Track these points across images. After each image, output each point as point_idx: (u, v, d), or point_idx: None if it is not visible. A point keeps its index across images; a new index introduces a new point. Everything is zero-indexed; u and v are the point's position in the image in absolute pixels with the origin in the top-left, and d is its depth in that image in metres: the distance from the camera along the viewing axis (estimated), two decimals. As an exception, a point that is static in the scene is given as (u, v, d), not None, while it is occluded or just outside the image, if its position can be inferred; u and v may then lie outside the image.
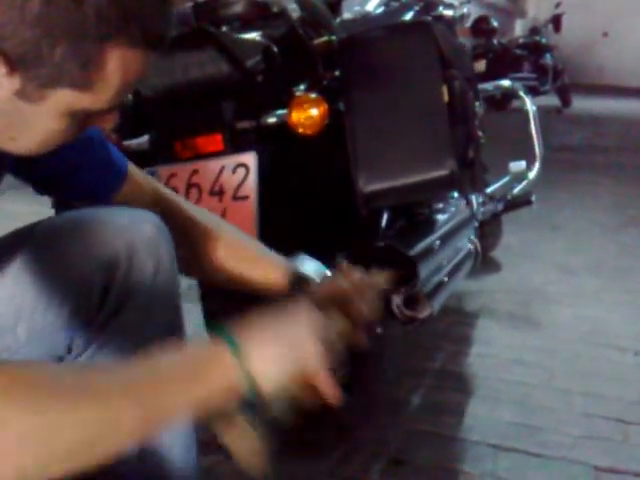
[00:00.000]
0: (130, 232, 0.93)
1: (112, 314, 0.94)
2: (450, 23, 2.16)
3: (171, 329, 0.98)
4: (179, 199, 1.06)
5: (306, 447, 1.69)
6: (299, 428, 1.65)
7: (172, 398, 0.67)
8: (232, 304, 1.53)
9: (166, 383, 0.68)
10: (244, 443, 0.75)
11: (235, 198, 1.36)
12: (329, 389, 0.76)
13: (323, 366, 0.75)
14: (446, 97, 1.41)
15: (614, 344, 2.28)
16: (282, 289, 1.02)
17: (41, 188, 1.00)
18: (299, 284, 1.01)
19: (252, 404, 0.73)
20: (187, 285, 1.61)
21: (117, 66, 0.67)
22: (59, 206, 1.48)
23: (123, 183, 0.99)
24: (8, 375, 0.62)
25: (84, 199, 1.00)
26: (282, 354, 0.73)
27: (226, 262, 1.02)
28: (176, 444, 1.00)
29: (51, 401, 0.62)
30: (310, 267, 1.02)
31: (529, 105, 2.54)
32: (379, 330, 1.63)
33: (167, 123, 1.46)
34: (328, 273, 1.03)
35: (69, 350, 0.95)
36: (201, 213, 1.06)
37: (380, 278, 1.08)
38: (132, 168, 1.02)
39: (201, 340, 0.74)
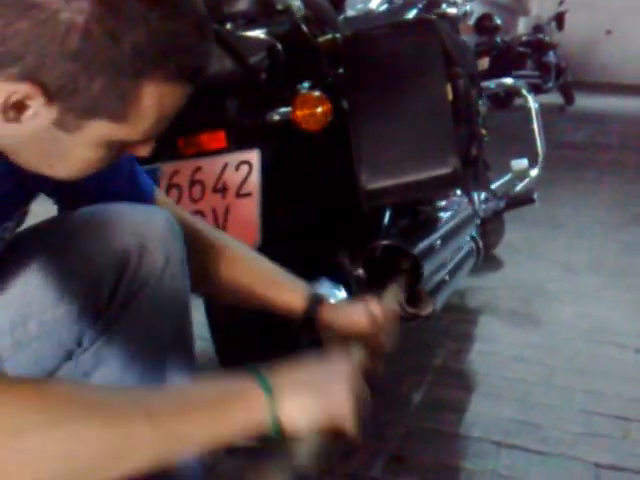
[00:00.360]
0: (141, 228, 0.95)
1: (122, 308, 0.95)
2: (453, 21, 2.16)
3: (180, 324, 0.99)
4: (199, 221, 1.09)
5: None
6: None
7: (193, 427, 0.68)
8: (236, 315, 1.55)
9: (190, 411, 0.68)
10: None
11: (238, 195, 1.37)
12: (355, 434, 0.77)
13: (354, 416, 0.76)
14: (450, 95, 1.41)
15: (615, 341, 2.28)
16: (299, 311, 1.03)
17: (66, 207, 1.01)
18: (316, 306, 1.02)
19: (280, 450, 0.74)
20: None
21: (153, 100, 0.68)
22: (61, 204, 1.49)
23: (153, 201, 1.02)
24: (33, 388, 0.63)
25: None
26: (314, 403, 0.74)
27: (242, 282, 1.04)
28: None
29: (73, 415, 0.63)
30: (328, 290, 1.05)
31: (531, 103, 2.54)
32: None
33: (170, 120, 1.46)
34: (345, 295, 1.05)
35: (79, 344, 0.96)
36: (221, 236, 1.08)
37: (394, 297, 1.10)
38: (158, 192, 1.05)
39: (233, 376, 0.74)
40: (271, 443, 0.73)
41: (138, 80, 0.66)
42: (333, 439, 0.77)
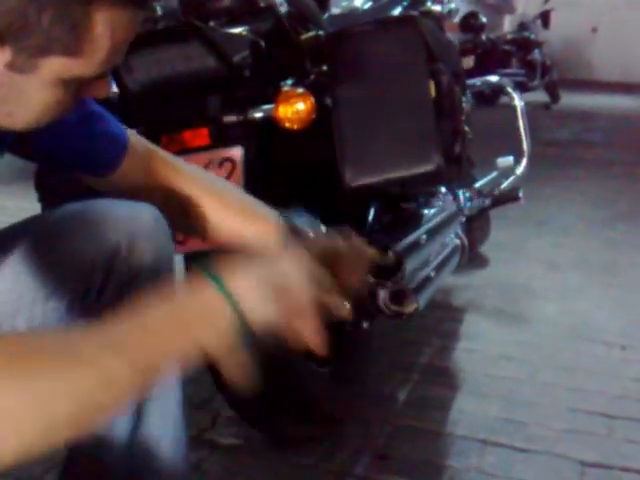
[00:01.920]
0: (130, 224, 0.94)
1: (111, 302, 0.94)
2: (438, 18, 2.16)
3: None
4: (173, 159, 1.05)
5: (291, 441, 1.69)
6: (284, 422, 1.67)
7: (161, 348, 0.66)
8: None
9: (153, 334, 0.66)
10: (234, 361, 0.72)
11: (221, 193, 1.36)
12: (315, 335, 0.75)
13: (311, 307, 0.73)
14: (433, 92, 1.41)
15: (599, 339, 2.29)
16: (274, 242, 0.98)
17: (45, 163, 1.00)
18: (292, 236, 0.98)
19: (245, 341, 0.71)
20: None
21: (104, 28, 0.67)
22: (45, 201, 1.48)
23: (125, 153, 0.98)
24: None
25: (88, 172, 1.00)
26: (269, 290, 0.71)
27: (218, 217, 1.00)
28: (165, 435, 1.00)
29: (41, 365, 0.61)
30: (305, 221, 1.00)
31: (517, 100, 2.54)
32: (365, 325, 1.64)
33: (153, 117, 1.45)
34: (323, 229, 1.00)
35: None
36: (196, 171, 1.05)
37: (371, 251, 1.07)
38: (132, 137, 1.00)
39: (183, 283, 0.73)
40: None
41: (89, 7, 0.65)
42: (293, 334, 0.74)
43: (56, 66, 0.68)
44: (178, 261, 1.42)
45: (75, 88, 0.72)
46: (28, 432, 0.60)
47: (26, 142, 0.87)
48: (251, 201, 1.04)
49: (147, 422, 0.98)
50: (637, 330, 2.37)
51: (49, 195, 1.43)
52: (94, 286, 0.94)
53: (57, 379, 0.61)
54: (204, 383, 1.64)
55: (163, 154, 1.03)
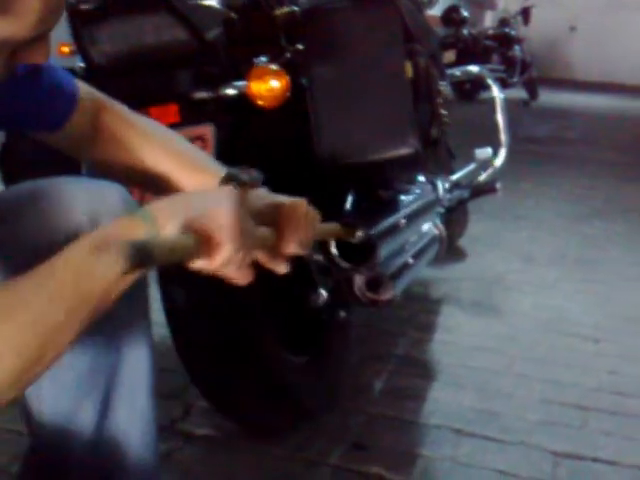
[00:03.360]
0: (94, 203, 0.90)
1: None
2: (417, 2, 2.13)
3: (136, 302, 0.95)
4: (124, 110, 1.01)
5: (265, 432, 1.68)
6: (260, 411, 1.65)
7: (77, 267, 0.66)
8: (194, 291, 1.51)
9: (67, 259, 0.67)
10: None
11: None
12: (219, 258, 0.72)
13: (231, 240, 0.71)
14: (410, 73, 1.39)
15: (573, 332, 2.31)
16: None
17: None
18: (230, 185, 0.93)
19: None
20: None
21: None
22: (9, 182, 1.44)
23: (75, 107, 0.93)
24: None
25: (37, 128, 0.95)
26: (188, 212, 0.71)
27: (168, 170, 0.96)
28: (133, 427, 0.97)
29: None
30: (251, 177, 0.93)
31: (496, 92, 2.54)
32: (342, 313, 1.63)
33: (120, 92, 1.40)
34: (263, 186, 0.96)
35: None
36: (147, 123, 1.01)
37: (330, 231, 1.04)
38: (81, 89, 0.96)
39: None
40: None
41: None
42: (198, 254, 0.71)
43: None
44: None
45: (9, 53, 0.69)
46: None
47: None
48: (200, 155, 1.01)
49: (114, 413, 0.95)
50: (611, 324, 2.39)
51: (14, 174, 1.39)
52: None
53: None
54: (178, 373, 1.61)
55: (113, 105, 0.99)
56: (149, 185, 0.99)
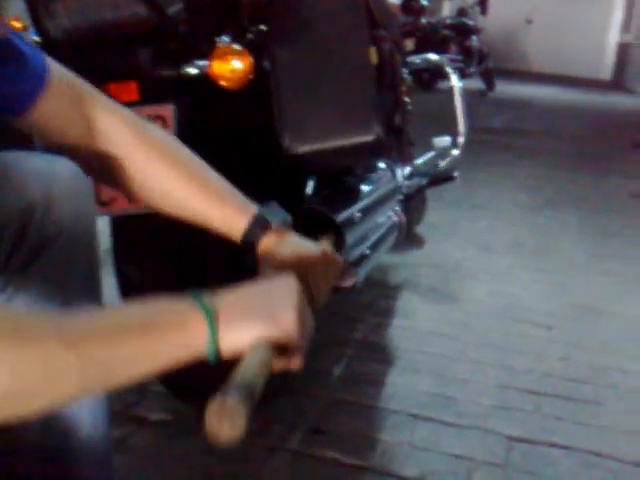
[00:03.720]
0: (47, 179, 0.87)
1: (30, 259, 0.88)
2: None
3: (89, 280, 0.93)
4: (116, 105, 0.92)
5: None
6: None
7: (119, 350, 0.60)
8: (148, 269, 1.49)
9: (114, 333, 0.60)
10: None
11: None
12: (298, 359, 0.74)
13: (299, 339, 0.72)
14: (374, 59, 1.38)
15: (527, 319, 2.35)
16: (238, 231, 0.89)
17: None
18: (260, 229, 0.89)
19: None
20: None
21: None
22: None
23: (43, 89, 0.85)
24: None
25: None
26: (258, 324, 0.68)
27: (182, 193, 0.89)
28: (83, 407, 0.95)
29: None
30: (275, 214, 0.91)
31: (455, 81, 2.56)
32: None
33: (78, 68, 1.37)
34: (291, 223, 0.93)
35: None
36: (155, 131, 0.92)
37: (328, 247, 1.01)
38: (55, 71, 0.87)
39: (168, 300, 0.66)
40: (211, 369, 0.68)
41: None
42: (277, 359, 0.71)
43: None
44: (103, 224, 1.36)
45: None
46: None
47: None
48: (225, 185, 0.93)
49: None
50: (564, 311, 2.45)
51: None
52: (3, 249, 0.86)
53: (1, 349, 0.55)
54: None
55: (101, 99, 0.91)
56: (161, 206, 0.92)
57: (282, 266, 0.82)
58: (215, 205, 0.89)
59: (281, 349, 0.71)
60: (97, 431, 0.97)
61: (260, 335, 0.67)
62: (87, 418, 0.96)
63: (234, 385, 0.62)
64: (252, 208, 0.90)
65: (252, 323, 0.68)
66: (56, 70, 0.87)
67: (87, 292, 0.94)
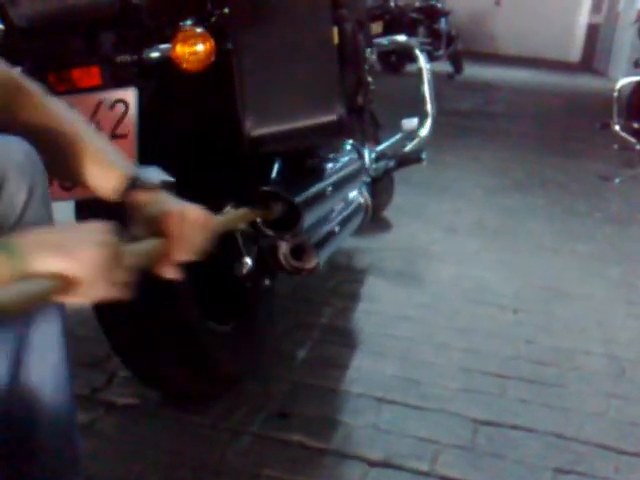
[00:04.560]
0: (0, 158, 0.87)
1: None
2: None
3: None
4: (39, 92, 0.96)
5: (189, 399, 1.65)
6: (183, 380, 1.62)
7: None
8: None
9: None
10: None
11: (113, 136, 1.27)
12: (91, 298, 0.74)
13: (92, 277, 0.72)
14: (336, 39, 1.36)
15: (493, 302, 2.35)
16: (110, 190, 0.95)
17: None
18: (134, 189, 0.95)
19: None
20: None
21: None
22: None
23: None
24: None
25: None
26: (57, 259, 0.70)
27: (78, 161, 0.94)
28: (47, 384, 0.96)
29: None
30: (154, 176, 0.97)
31: (423, 63, 2.53)
32: (267, 282, 1.60)
33: (40, 53, 1.34)
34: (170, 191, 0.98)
35: None
36: (61, 109, 0.97)
37: (240, 217, 1.06)
38: None
39: None
40: None
41: None
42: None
43: None
44: (68, 209, 1.34)
45: None
46: None
47: None
48: (112, 151, 0.99)
49: (26, 370, 0.93)
50: (529, 294, 2.45)
51: None
52: None
53: None
54: (99, 342, 1.57)
55: (29, 86, 0.94)
56: (60, 175, 1.00)
57: (148, 222, 0.89)
58: (92, 166, 0.94)
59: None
60: (61, 405, 0.98)
61: (52, 265, 0.70)
62: (50, 390, 0.96)
63: None
64: (127, 169, 0.96)
65: (44, 253, 0.70)
66: None
67: None
